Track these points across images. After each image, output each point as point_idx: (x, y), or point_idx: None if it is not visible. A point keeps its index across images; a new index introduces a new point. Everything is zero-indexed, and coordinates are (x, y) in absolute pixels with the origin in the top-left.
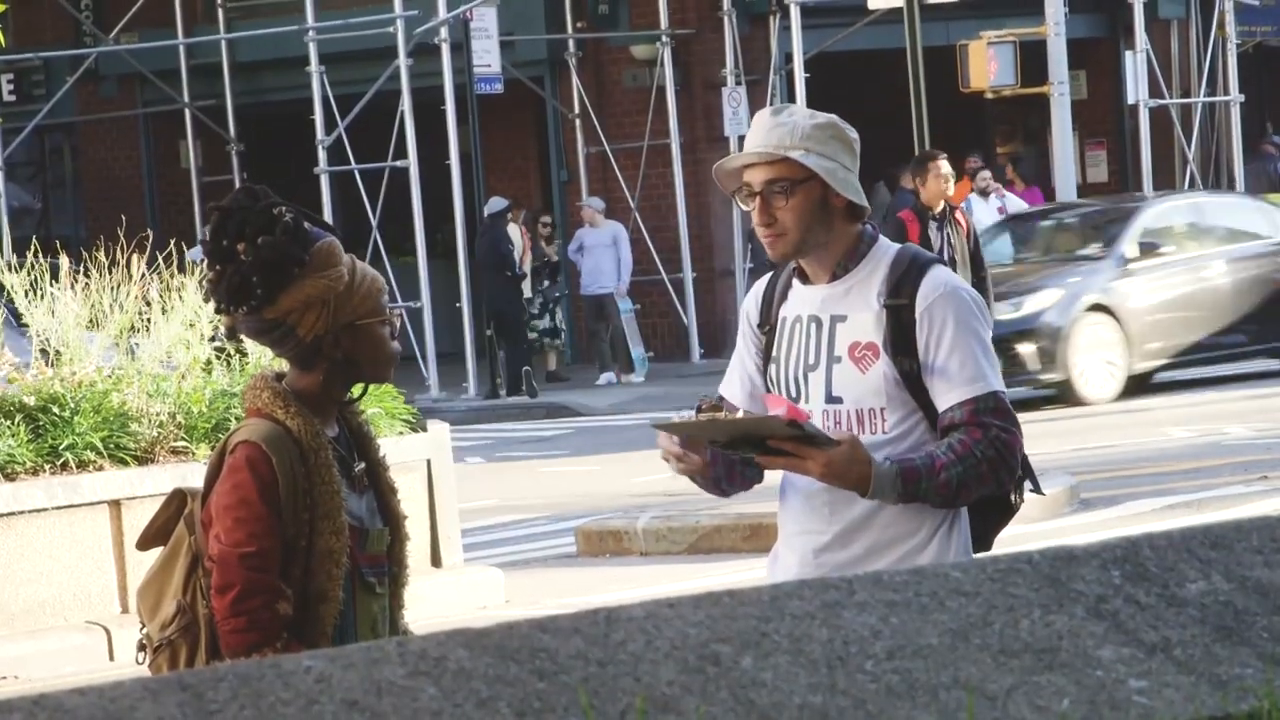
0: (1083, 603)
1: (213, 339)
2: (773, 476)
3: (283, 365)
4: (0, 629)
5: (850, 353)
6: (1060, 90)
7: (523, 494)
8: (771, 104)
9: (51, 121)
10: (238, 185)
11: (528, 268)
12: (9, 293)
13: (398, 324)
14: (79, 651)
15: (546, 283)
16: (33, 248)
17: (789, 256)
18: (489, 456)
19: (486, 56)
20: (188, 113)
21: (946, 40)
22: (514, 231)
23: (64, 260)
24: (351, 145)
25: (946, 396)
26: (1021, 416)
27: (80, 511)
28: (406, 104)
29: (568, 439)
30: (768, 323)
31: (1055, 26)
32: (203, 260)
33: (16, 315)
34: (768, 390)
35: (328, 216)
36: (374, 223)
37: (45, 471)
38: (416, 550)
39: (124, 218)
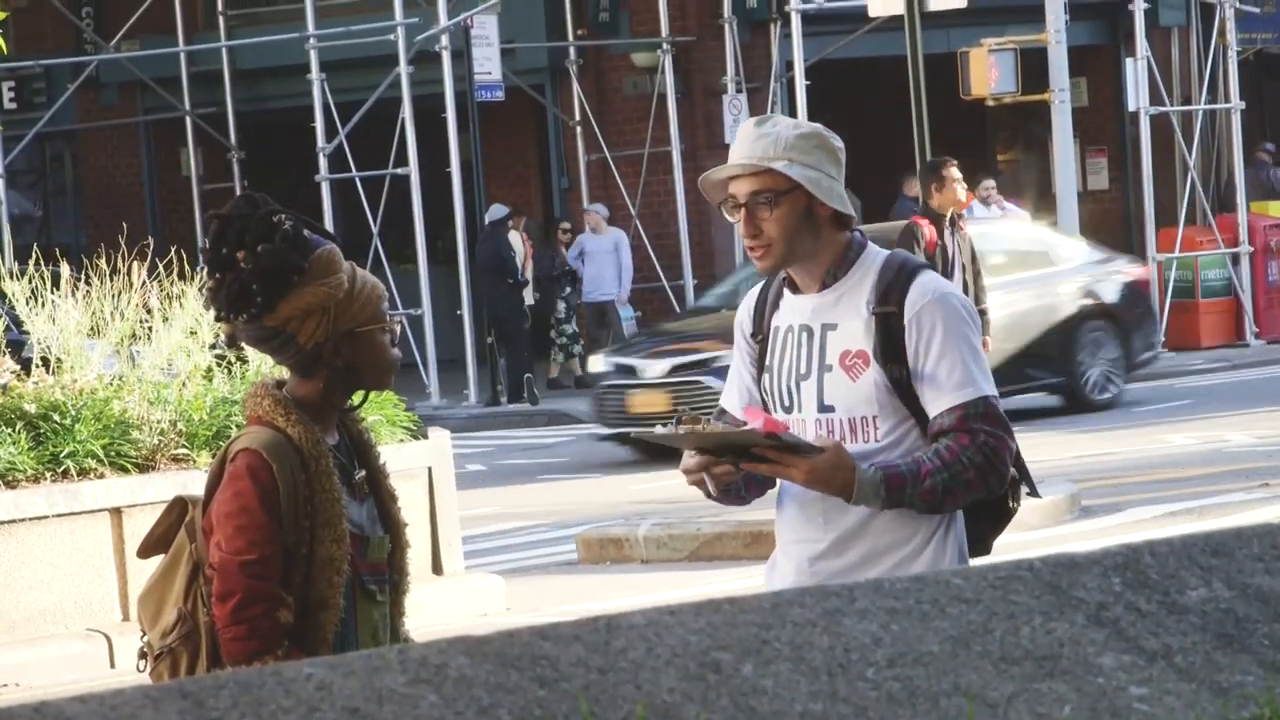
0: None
1: (213, 346)
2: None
3: (283, 373)
4: (1, 636)
5: (841, 361)
6: (1061, 97)
7: (524, 501)
8: (772, 111)
9: (52, 129)
10: (238, 193)
11: (529, 275)
12: (10, 300)
13: (398, 331)
14: (80, 659)
15: (569, 289)
16: (34, 255)
17: (775, 268)
18: (490, 464)
19: (487, 64)
20: (189, 120)
21: (947, 47)
22: (515, 238)
23: (65, 268)
24: (352, 152)
25: (936, 403)
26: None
27: (81, 519)
28: (407, 111)
29: (569, 446)
30: (760, 332)
31: (1056, 34)
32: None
33: (18, 323)
34: (764, 401)
35: (329, 224)
36: (375, 230)
37: (46, 479)
38: (417, 557)
39: (125, 225)
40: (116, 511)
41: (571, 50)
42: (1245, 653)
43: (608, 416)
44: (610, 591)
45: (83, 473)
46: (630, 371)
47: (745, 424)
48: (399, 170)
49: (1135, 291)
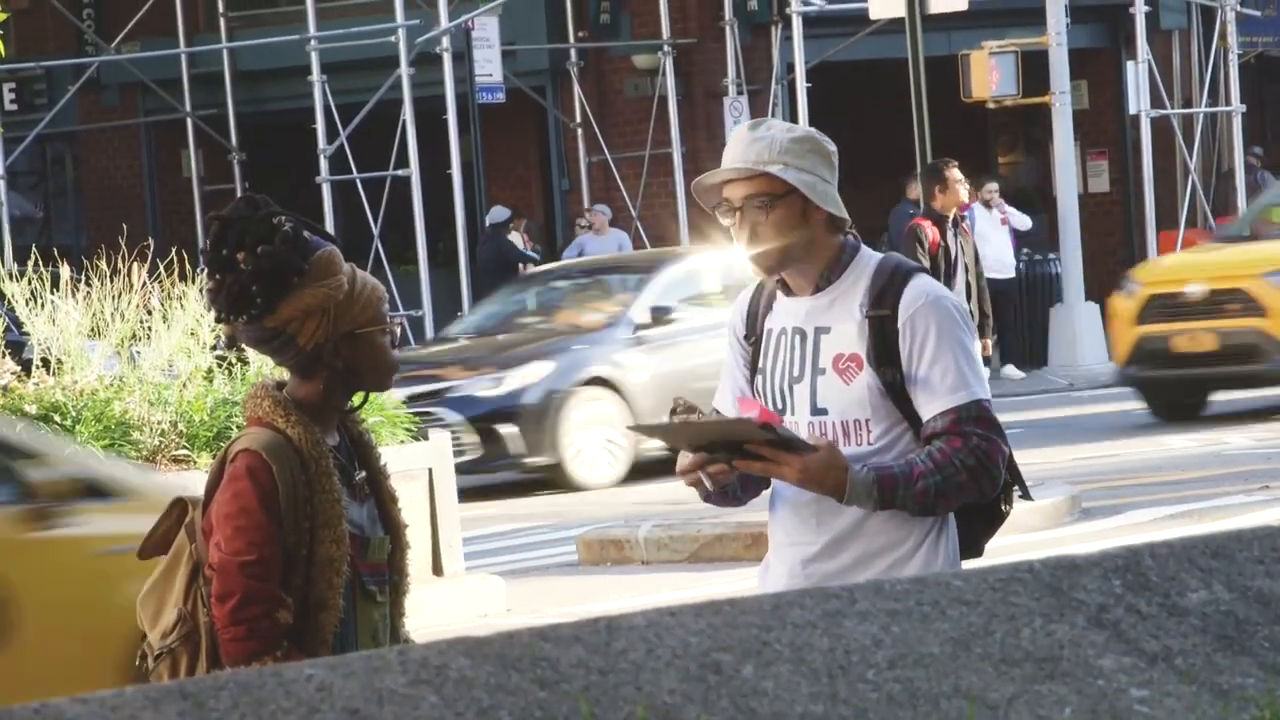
0: (1084, 612)
1: (214, 347)
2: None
3: (284, 374)
4: None
5: (834, 364)
6: (1062, 100)
7: (524, 502)
8: (773, 114)
9: (53, 130)
10: (239, 194)
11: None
12: (10, 301)
13: (398, 332)
14: None
15: None
16: (34, 257)
17: (772, 271)
18: None
19: (488, 66)
20: (189, 122)
21: (948, 50)
22: (516, 240)
23: (65, 269)
24: (353, 154)
25: (929, 406)
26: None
27: None
28: (408, 113)
29: None
30: (753, 335)
31: (1057, 36)
32: None
33: (18, 324)
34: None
35: (330, 225)
36: (375, 231)
37: None
38: (418, 558)
39: (125, 226)
40: None
41: (572, 52)
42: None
43: None
44: (611, 593)
45: None
46: None
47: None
48: (400, 172)
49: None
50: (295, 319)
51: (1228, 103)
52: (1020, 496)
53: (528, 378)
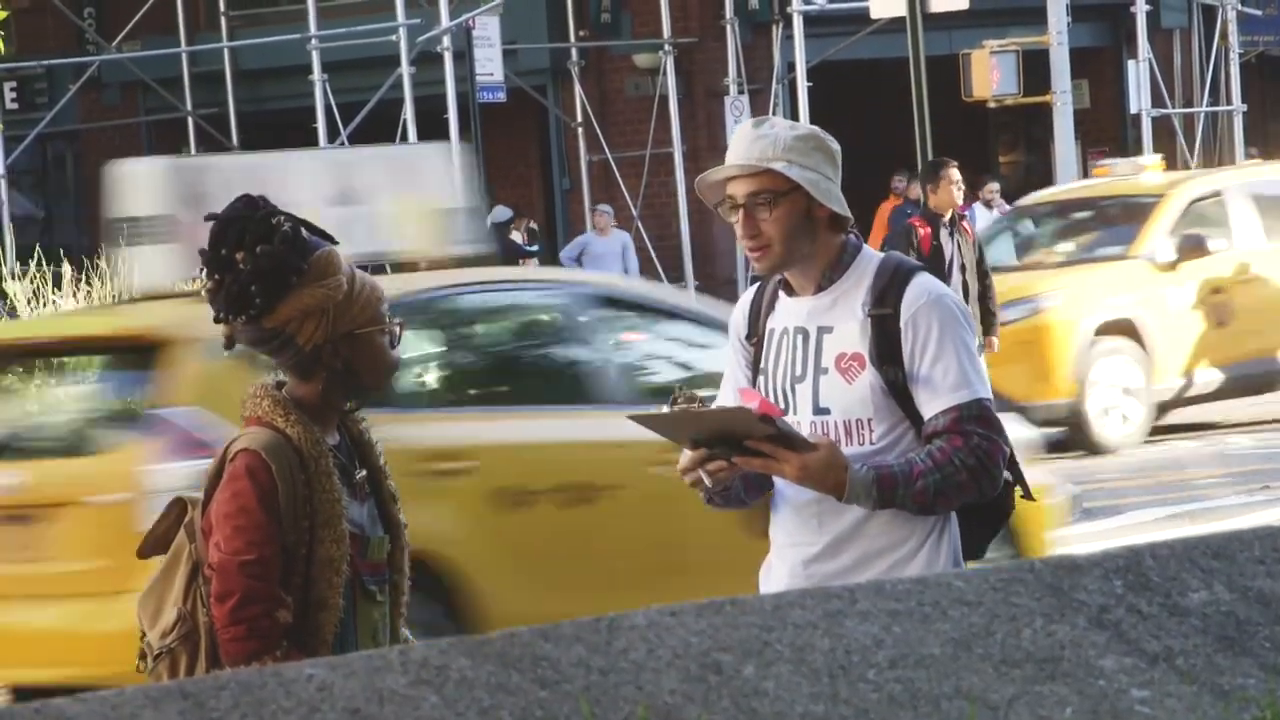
0: (1085, 612)
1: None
2: None
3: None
4: None
5: (837, 364)
6: (1063, 99)
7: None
8: (774, 113)
9: (54, 129)
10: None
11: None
12: (12, 300)
13: (398, 332)
14: None
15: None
16: (35, 256)
17: (775, 269)
18: None
19: (489, 65)
20: (190, 121)
21: (949, 49)
22: (517, 239)
23: (66, 268)
24: None
25: (931, 404)
26: None
27: None
28: (409, 112)
29: None
30: (755, 334)
31: (1058, 35)
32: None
33: None
34: None
35: None
36: None
37: None
38: None
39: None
40: None
41: (573, 51)
42: (1246, 655)
43: None
44: None
45: None
46: None
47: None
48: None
49: None
50: (294, 319)
51: (1229, 102)
52: (1022, 496)
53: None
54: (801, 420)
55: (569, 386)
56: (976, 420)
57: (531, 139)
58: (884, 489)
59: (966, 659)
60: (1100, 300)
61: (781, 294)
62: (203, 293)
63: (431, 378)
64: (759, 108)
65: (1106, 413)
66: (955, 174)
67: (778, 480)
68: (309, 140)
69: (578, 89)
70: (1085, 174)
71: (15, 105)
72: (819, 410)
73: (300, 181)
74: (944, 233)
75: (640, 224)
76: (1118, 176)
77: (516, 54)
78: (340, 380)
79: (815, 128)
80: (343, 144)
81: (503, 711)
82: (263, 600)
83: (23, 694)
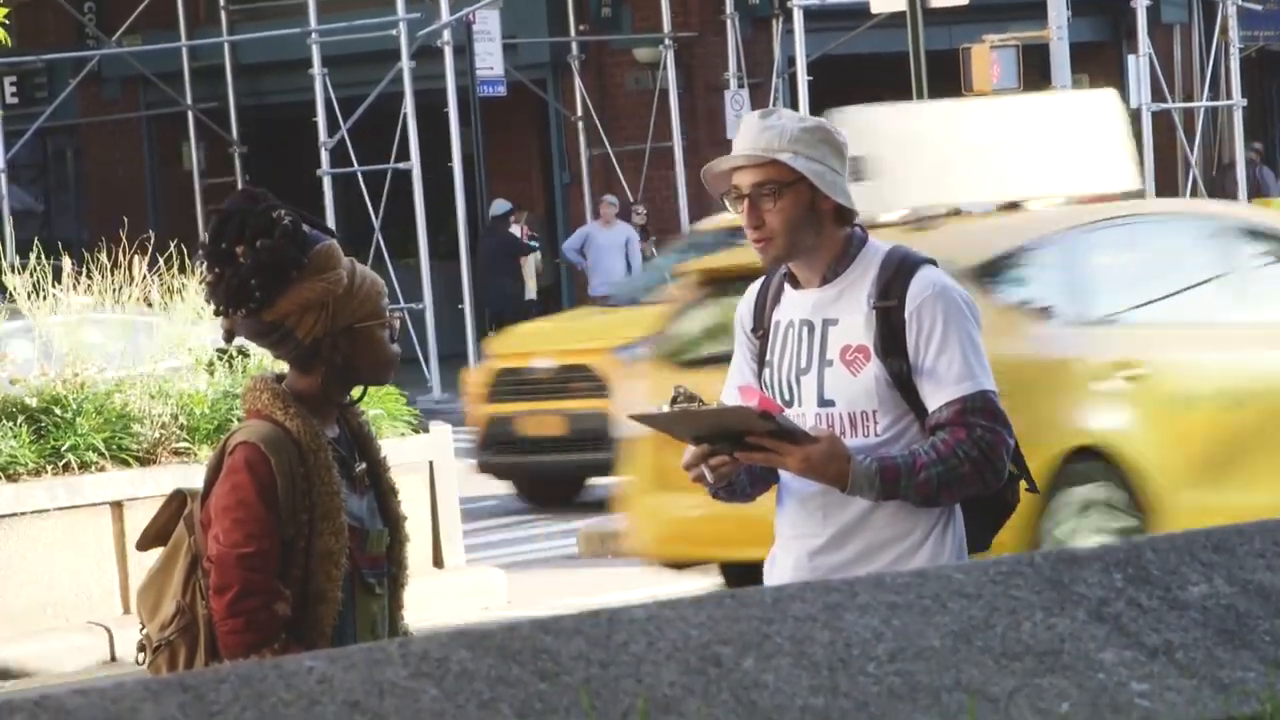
0: (1085, 605)
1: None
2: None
3: (284, 367)
4: (2, 629)
5: (841, 356)
6: None
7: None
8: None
9: (54, 124)
10: (239, 187)
11: (528, 269)
12: (12, 294)
13: (398, 326)
14: (80, 652)
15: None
16: (35, 250)
17: (779, 260)
18: None
19: (489, 59)
20: (190, 115)
21: (949, 44)
22: (516, 233)
23: (66, 262)
24: (354, 147)
25: (935, 396)
26: None
27: (82, 512)
28: (409, 106)
29: None
30: (761, 327)
31: (1058, 30)
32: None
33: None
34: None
35: (330, 219)
36: (376, 225)
37: (47, 472)
38: (419, 551)
39: (126, 220)
40: (117, 505)
41: (573, 45)
42: (1246, 648)
43: None
44: (611, 585)
45: (84, 466)
46: None
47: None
48: (401, 165)
49: None
50: (294, 313)
51: (1229, 97)
52: (1027, 489)
53: None
54: (806, 412)
55: (1224, 306)
56: (981, 412)
57: (532, 133)
58: (887, 480)
59: (966, 652)
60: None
61: (787, 287)
62: (203, 285)
63: (1117, 298)
64: (759, 102)
65: None
66: None
67: (783, 473)
68: (309, 136)
69: (578, 83)
70: None
71: (15, 99)
72: (824, 402)
73: (983, 126)
74: None
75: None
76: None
77: (517, 48)
78: (340, 374)
79: (823, 120)
80: (341, 138)
81: (502, 704)
82: (261, 593)
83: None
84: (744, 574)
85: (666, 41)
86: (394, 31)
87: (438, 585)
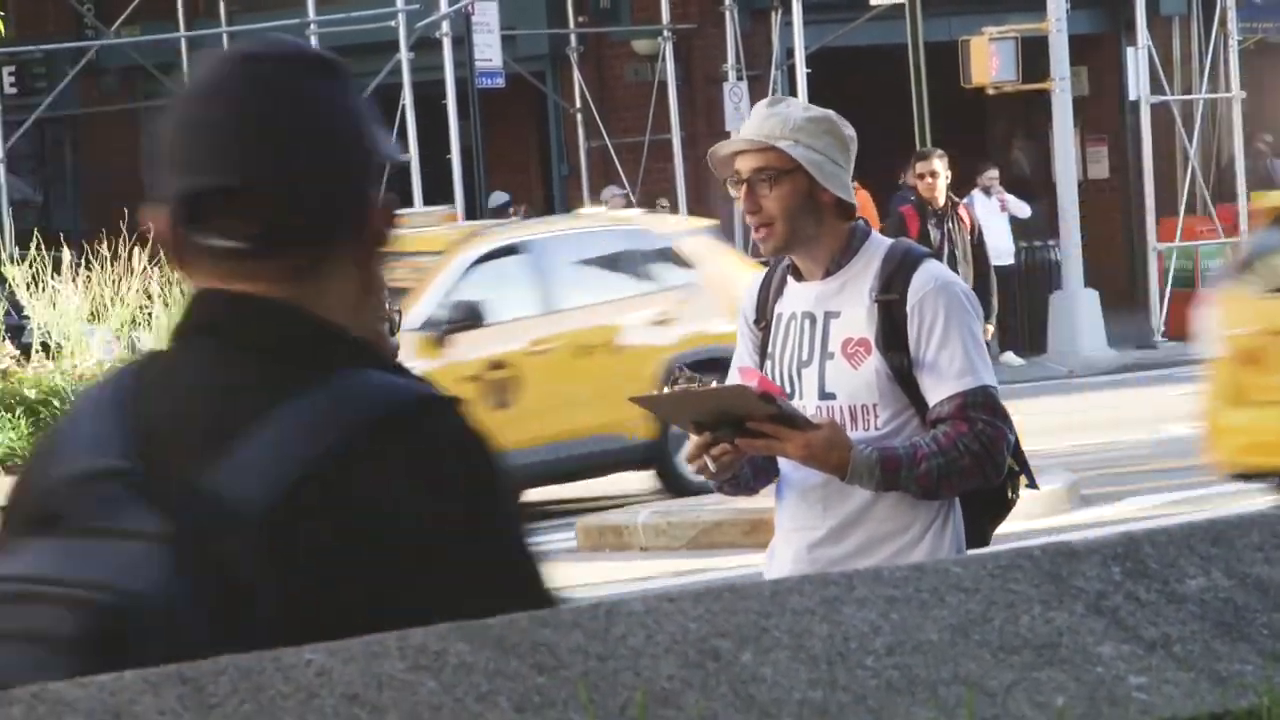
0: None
1: None
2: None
3: None
4: None
5: (843, 349)
6: (1062, 86)
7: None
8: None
9: (53, 114)
10: None
11: None
12: (10, 285)
13: (396, 320)
14: None
15: None
16: (34, 240)
17: (780, 251)
18: None
19: (488, 51)
20: None
21: (948, 36)
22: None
23: (65, 253)
24: None
25: (936, 390)
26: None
27: None
28: (408, 98)
29: None
30: (763, 319)
31: (1057, 22)
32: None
33: (18, 308)
34: None
35: None
36: None
37: None
38: None
39: (125, 211)
40: None
41: (572, 37)
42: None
43: None
44: (610, 579)
45: None
46: None
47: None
48: (399, 157)
49: None
50: None
51: (1228, 89)
52: (1027, 485)
53: None
54: (807, 405)
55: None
56: (982, 407)
57: (530, 125)
58: (887, 470)
59: (964, 645)
60: None
61: (790, 279)
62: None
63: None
64: (758, 94)
65: None
66: (934, 165)
67: (783, 465)
68: None
69: (576, 75)
70: (1084, 159)
71: (14, 90)
72: (825, 395)
73: None
74: (933, 222)
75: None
76: (415, 228)
77: (515, 40)
78: None
79: (831, 112)
80: None
81: (500, 697)
82: None
83: None
84: None
85: (665, 33)
86: (392, 23)
87: None
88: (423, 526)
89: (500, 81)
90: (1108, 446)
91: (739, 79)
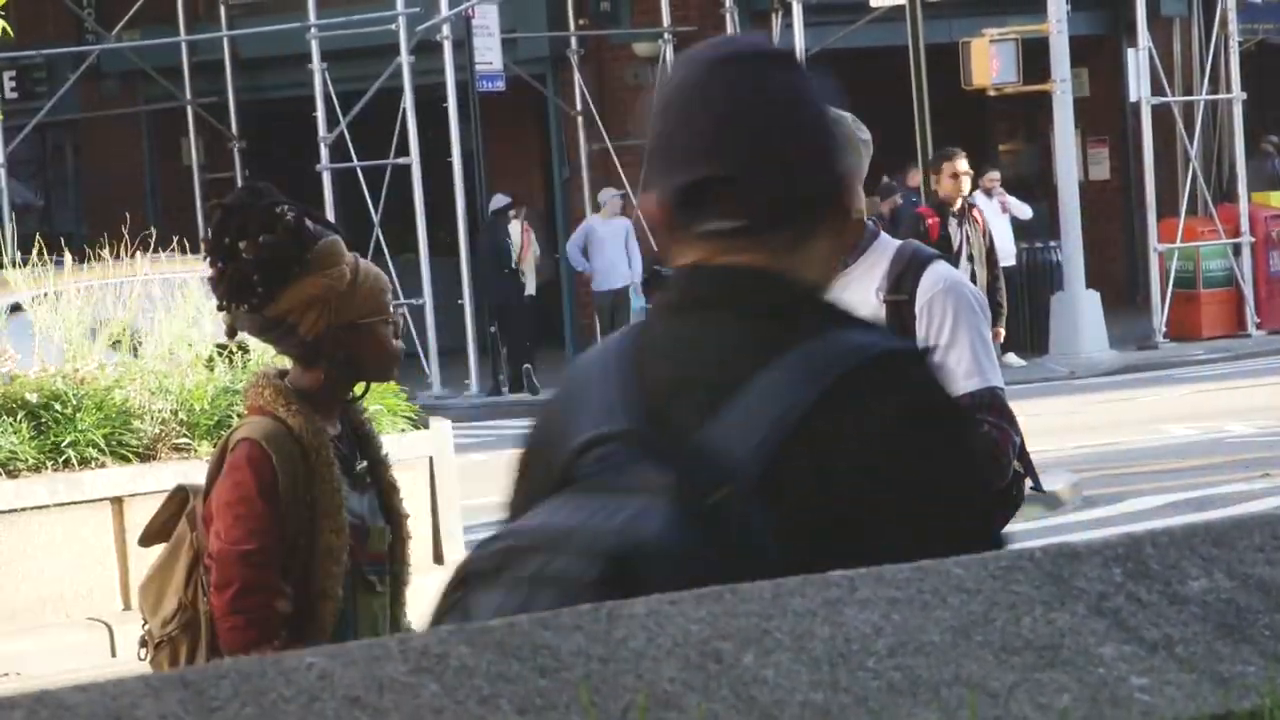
0: (1085, 600)
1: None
2: None
3: (286, 363)
4: (2, 625)
5: None
6: (1062, 88)
7: None
8: None
9: (53, 119)
10: (239, 182)
11: (528, 264)
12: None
13: (401, 323)
14: (80, 648)
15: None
16: (35, 245)
17: None
18: (492, 453)
19: (488, 54)
20: (190, 110)
21: (949, 37)
22: (515, 228)
23: (67, 257)
24: (354, 142)
25: None
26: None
27: (82, 508)
28: (409, 101)
29: None
30: None
31: (1057, 24)
32: None
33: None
34: None
35: (330, 213)
36: (376, 220)
37: (47, 468)
38: (419, 547)
39: (126, 215)
40: (118, 501)
41: (573, 40)
42: (1246, 643)
43: None
44: None
45: (84, 462)
46: None
47: None
48: (400, 160)
49: None
50: (296, 309)
51: (1228, 90)
52: (1031, 487)
53: None
54: None
55: None
56: (988, 409)
57: (531, 128)
58: None
59: (966, 646)
60: None
61: None
62: (204, 280)
63: None
64: None
65: None
66: (959, 164)
67: None
68: (309, 131)
69: (577, 78)
70: (1085, 161)
71: (14, 94)
72: None
73: None
74: (953, 222)
75: (639, 213)
76: None
77: (516, 43)
78: (342, 370)
79: (848, 115)
80: (341, 133)
81: (502, 699)
82: (262, 590)
83: None
84: None
85: (666, 36)
86: (393, 26)
87: (438, 581)
88: (899, 470)
89: (501, 85)
90: (1109, 447)
91: None
